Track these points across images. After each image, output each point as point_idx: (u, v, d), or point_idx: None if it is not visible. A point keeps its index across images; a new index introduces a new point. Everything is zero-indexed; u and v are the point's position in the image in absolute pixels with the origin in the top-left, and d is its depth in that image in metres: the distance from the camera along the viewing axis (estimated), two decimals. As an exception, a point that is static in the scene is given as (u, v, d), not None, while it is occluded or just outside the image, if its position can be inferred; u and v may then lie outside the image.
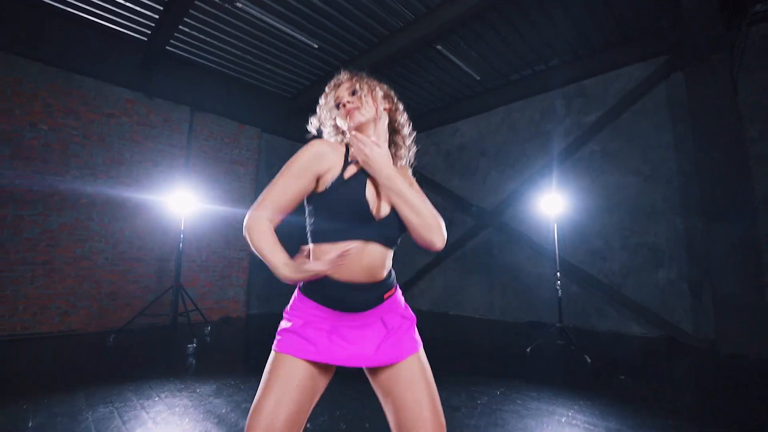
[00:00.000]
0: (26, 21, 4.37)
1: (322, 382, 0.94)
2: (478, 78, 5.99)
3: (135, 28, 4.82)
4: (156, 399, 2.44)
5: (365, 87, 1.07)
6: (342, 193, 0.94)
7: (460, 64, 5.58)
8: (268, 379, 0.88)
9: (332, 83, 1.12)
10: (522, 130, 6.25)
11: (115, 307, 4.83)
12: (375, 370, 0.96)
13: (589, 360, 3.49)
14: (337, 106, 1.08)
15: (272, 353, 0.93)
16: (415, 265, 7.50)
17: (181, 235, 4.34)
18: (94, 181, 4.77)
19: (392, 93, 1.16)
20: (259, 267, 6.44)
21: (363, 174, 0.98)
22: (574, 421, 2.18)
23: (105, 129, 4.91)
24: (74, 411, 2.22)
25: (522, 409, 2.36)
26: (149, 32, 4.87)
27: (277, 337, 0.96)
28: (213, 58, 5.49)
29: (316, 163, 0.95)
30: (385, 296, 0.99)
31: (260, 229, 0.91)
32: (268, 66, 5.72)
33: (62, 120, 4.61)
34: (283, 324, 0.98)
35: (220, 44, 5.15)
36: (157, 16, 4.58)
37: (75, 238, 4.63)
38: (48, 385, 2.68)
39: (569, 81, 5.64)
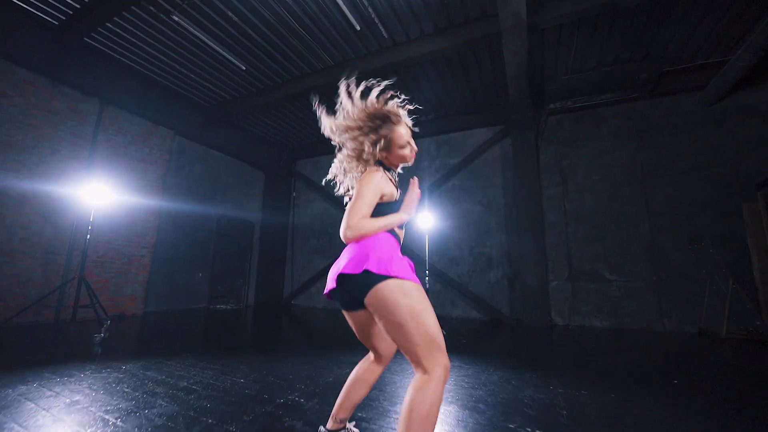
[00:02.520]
0: None
1: None
2: (378, 119, 6.86)
3: (48, 11, 4.22)
4: (82, 375, 2.33)
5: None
6: (400, 204, 1.37)
7: (365, 106, 6.34)
8: (425, 304, 1.18)
9: (401, 114, 1.41)
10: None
11: (-17, 302, 3.95)
12: None
13: (444, 333, 4.42)
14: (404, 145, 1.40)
15: (407, 283, 1.17)
16: (315, 268, 7.83)
17: (90, 226, 3.88)
18: (-30, 162, 3.92)
19: None
20: (159, 265, 5.93)
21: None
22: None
23: (-8, 108, 4.09)
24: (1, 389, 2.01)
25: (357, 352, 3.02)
26: (64, 18, 4.32)
27: (404, 272, 1.18)
28: (134, 58, 5.08)
29: (383, 185, 1.31)
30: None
31: (367, 223, 1.21)
32: (192, 76, 5.53)
33: (-66, 90, 3.72)
34: (394, 262, 1.19)
35: (146, 47, 4.84)
36: (78, 6, 4.13)
37: (-65, 223, 3.70)
38: (-70, 373, 2.25)
39: (440, 132, 6.94)
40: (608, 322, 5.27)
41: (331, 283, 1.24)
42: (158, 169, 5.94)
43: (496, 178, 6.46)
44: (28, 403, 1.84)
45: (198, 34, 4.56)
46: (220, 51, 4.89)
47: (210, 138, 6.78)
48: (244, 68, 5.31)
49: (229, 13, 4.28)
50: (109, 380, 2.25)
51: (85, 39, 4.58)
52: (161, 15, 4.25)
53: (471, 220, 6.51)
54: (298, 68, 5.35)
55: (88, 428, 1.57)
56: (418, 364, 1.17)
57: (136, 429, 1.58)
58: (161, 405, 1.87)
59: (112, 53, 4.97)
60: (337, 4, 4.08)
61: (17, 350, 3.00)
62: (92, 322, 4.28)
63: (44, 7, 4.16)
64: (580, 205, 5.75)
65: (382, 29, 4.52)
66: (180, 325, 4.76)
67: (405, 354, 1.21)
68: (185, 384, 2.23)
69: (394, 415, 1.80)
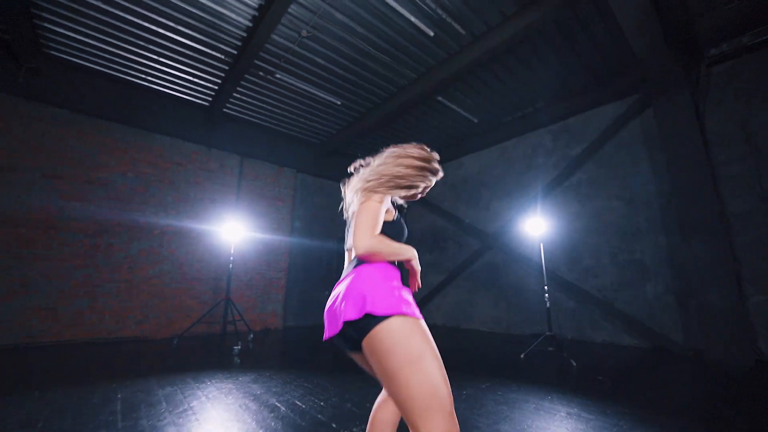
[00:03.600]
0: (119, 95, 5.27)
1: None
2: (476, 121, 6.42)
3: (200, 96, 5.65)
4: (209, 383, 2.85)
5: None
6: (399, 224, 1.30)
7: (459, 110, 6.04)
8: (426, 347, 0.98)
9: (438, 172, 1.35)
10: (517, 163, 6.53)
11: (178, 317, 5.39)
12: None
13: (575, 364, 3.59)
14: (424, 189, 1.34)
15: (407, 320, 0.99)
16: (431, 283, 7.70)
17: (231, 258, 4.89)
18: (165, 215, 5.49)
19: None
20: (293, 284, 6.91)
21: (402, 217, 1.37)
22: (544, 406, 2.37)
23: (175, 175, 5.68)
24: (150, 390, 2.66)
25: (501, 397, 2.57)
26: (210, 99, 5.69)
27: (404, 306, 1.01)
28: (258, 116, 6.25)
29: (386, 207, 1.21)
30: None
31: (382, 242, 1.10)
32: (301, 120, 6.42)
33: (144, 169, 5.41)
34: (398, 298, 1.03)
35: (264, 105, 5.90)
36: (216, 87, 5.38)
37: (150, 261, 5.30)
38: (130, 373, 3.16)
39: (554, 120, 5.94)
40: None
41: (332, 328, 1.11)
42: (287, 203, 7.04)
43: (640, 163, 5.06)
44: (163, 406, 2.34)
45: (298, 84, 5.27)
46: (317, 93, 5.52)
47: (325, 170, 7.66)
48: (339, 103, 5.84)
49: (317, 59, 4.79)
50: (228, 388, 2.67)
51: (224, 110, 5.92)
52: (268, 76, 5.10)
53: (609, 220, 5.24)
54: (384, 90, 5.52)
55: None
56: (413, 426, 0.94)
57: (212, 443, 1.79)
58: (246, 420, 2.09)
59: (242, 116, 6.24)
60: (404, 17, 4.06)
61: (183, 358, 3.92)
62: (244, 333, 5.29)
63: (198, 94, 5.58)
64: (793, 181, 3.89)
65: (457, 26, 4.24)
66: (303, 341, 5.37)
67: (401, 413, 1.00)
68: (273, 402, 2.44)
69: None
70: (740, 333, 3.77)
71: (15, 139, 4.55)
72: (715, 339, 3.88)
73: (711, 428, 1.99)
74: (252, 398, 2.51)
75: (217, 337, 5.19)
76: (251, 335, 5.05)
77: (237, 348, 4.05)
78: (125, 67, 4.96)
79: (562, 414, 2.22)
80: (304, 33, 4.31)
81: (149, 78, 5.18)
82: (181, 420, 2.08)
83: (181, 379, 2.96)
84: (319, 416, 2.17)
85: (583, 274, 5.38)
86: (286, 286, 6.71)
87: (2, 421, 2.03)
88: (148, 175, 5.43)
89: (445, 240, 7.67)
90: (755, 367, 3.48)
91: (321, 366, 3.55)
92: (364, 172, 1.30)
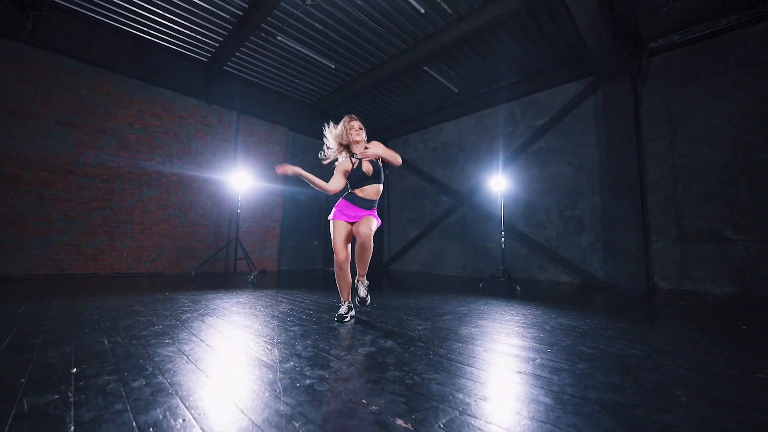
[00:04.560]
0: (125, 47, 5.59)
1: (350, 228, 2.27)
2: (456, 90, 7.20)
3: (201, 53, 6.03)
4: (241, 293, 3.74)
5: (363, 128, 2.47)
6: (357, 172, 2.30)
7: (442, 80, 6.78)
8: (333, 231, 2.27)
9: (347, 118, 2.49)
10: (490, 131, 7.46)
11: (186, 257, 6.14)
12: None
13: (519, 288, 4.78)
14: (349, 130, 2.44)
15: (330, 222, 2.32)
16: (408, 236, 8.77)
17: (239, 203, 5.61)
18: (171, 165, 6.05)
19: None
20: (287, 234, 7.74)
21: (360, 165, 2.32)
22: (491, 303, 3.47)
23: (178, 128, 6.17)
24: (201, 295, 3.52)
25: (462, 299, 3.65)
26: (210, 55, 6.08)
27: (332, 215, 2.34)
28: (256, 75, 6.71)
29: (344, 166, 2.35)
30: (373, 208, 2.37)
31: (328, 183, 2.39)
32: (296, 80, 6.93)
33: (150, 121, 5.87)
34: (334, 212, 2.36)
35: (262, 65, 6.37)
36: (217, 45, 5.79)
37: (159, 206, 5.93)
38: (176, 288, 3.98)
39: (525, 94, 6.84)
40: (731, 287, 4.69)
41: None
42: (279, 159, 7.68)
43: (590, 135, 6.13)
44: (219, 301, 3.23)
45: (296, 47, 5.79)
46: (314, 56, 6.06)
47: (315, 130, 8.26)
48: (333, 66, 6.40)
49: (317, 24, 5.33)
50: (258, 295, 3.58)
51: (224, 68, 6.33)
52: (270, 38, 5.58)
53: (560, 182, 6.37)
54: (376, 57, 6.15)
55: (247, 308, 2.79)
56: None
57: (272, 314, 2.72)
58: (281, 302, 3.03)
59: (241, 74, 6.67)
60: (400, -4, 4.67)
61: (207, 284, 4.77)
62: (247, 272, 6.15)
63: (199, 50, 5.96)
64: (694, 157, 5.08)
65: (445, 6, 4.91)
66: (301, 277, 6.33)
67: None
68: (297, 296, 3.40)
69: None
70: (642, 270, 5.10)
71: (28, 87, 4.90)
72: (624, 274, 5.21)
73: (608, 319, 3.15)
74: (282, 296, 3.45)
75: (224, 275, 6.03)
76: (256, 272, 5.92)
77: (251, 277, 4.94)
78: (130, 20, 5.27)
79: (503, 305, 3.33)
80: (308, 1, 4.82)
81: (153, 32, 5.51)
82: (240, 305, 2.98)
83: (219, 291, 3.83)
84: (333, 302, 3.15)
85: (535, 227, 6.58)
86: (280, 235, 7.55)
87: (85, 315, 2.85)
88: (153, 127, 5.91)
89: (423, 198, 8.66)
90: (648, 293, 4.82)
91: (320, 288, 4.53)
92: None
